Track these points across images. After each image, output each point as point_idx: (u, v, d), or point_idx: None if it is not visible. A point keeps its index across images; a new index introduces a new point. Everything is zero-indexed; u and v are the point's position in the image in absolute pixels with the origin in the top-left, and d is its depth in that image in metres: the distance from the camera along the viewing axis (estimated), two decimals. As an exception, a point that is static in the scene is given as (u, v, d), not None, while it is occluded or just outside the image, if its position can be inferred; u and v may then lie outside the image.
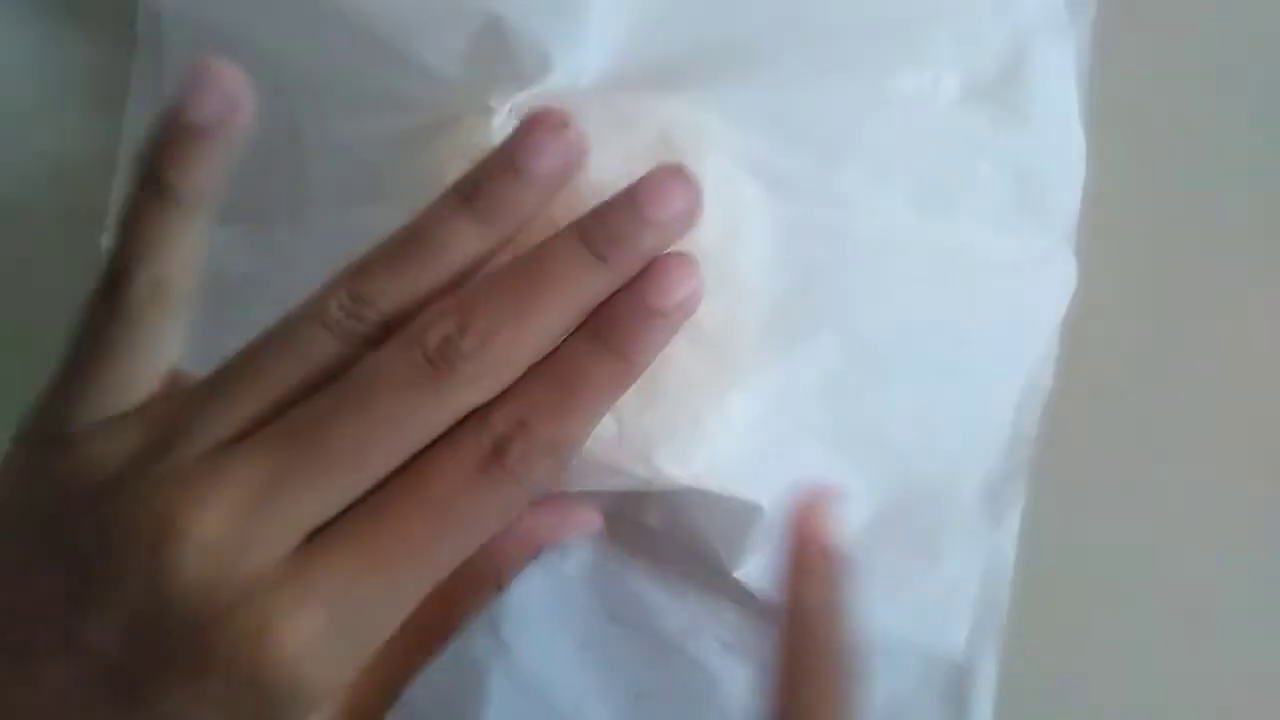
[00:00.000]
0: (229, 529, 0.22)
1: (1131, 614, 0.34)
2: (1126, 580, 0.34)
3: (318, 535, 0.23)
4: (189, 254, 0.24)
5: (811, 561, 0.27)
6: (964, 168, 0.31)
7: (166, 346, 0.24)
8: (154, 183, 0.23)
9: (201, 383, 0.24)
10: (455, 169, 0.28)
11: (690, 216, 0.26)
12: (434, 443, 0.23)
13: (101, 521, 0.22)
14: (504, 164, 0.25)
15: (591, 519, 0.32)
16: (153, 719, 0.22)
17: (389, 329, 0.24)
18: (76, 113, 0.37)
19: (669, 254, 0.25)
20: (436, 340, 0.23)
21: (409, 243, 0.25)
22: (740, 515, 0.31)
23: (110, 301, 0.24)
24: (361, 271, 0.24)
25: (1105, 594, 0.34)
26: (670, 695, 0.34)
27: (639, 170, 0.27)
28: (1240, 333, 0.34)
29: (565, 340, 0.25)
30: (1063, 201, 0.33)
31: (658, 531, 0.34)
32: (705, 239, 0.28)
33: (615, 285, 0.25)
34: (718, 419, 0.30)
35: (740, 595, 0.33)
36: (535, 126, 0.25)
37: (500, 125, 0.29)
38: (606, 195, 0.27)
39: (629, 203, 0.25)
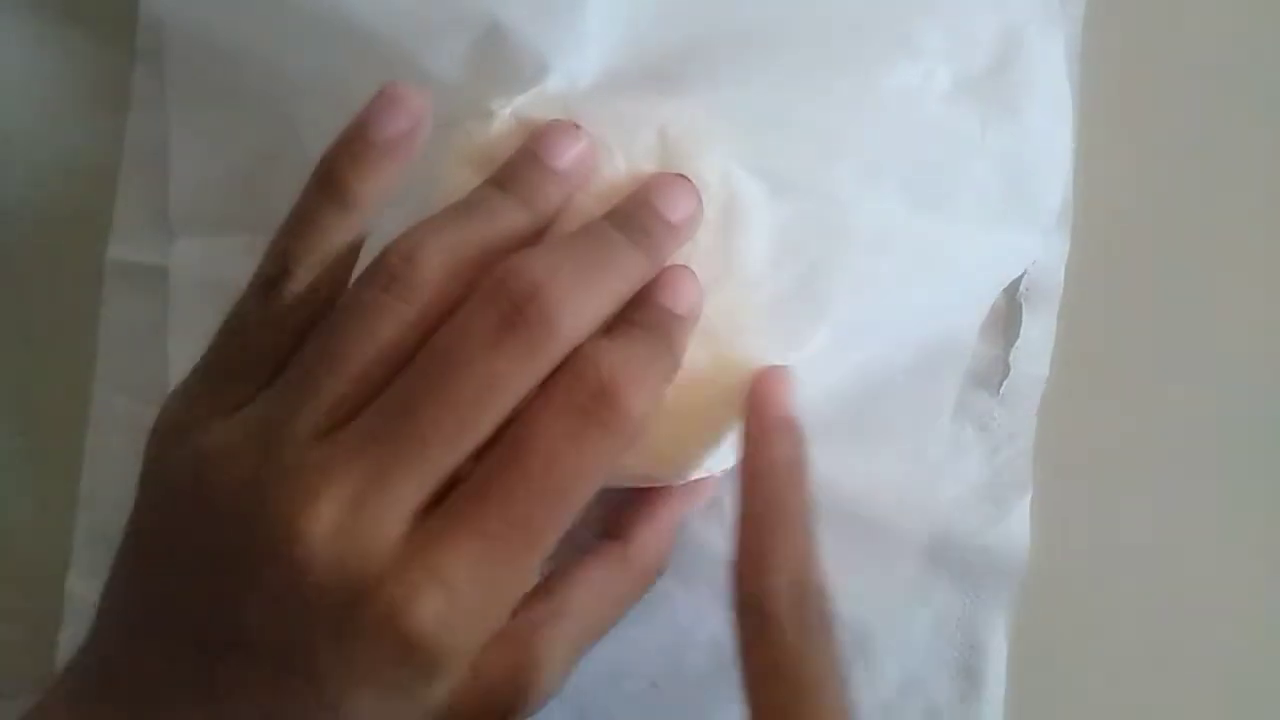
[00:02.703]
0: (344, 523, 0.23)
1: (1140, 600, 0.34)
2: (1133, 567, 0.34)
3: (432, 513, 0.23)
4: (348, 259, 0.25)
5: (770, 426, 0.28)
6: (954, 162, 0.31)
7: None
8: (330, 185, 0.25)
9: (286, 375, 0.25)
10: (455, 172, 0.29)
11: (696, 220, 0.28)
12: (526, 402, 0.24)
13: (232, 528, 0.23)
14: (529, 158, 0.27)
15: (710, 485, 0.32)
16: (319, 693, 0.23)
17: (455, 285, 0.24)
18: (79, 119, 0.37)
19: (674, 265, 0.27)
20: (524, 286, 0.24)
21: (457, 209, 0.26)
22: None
23: (264, 300, 0.25)
24: (413, 232, 0.25)
25: (1112, 580, 0.34)
26: (684, 683, 0.35)
27: (640, 170, 0.28)
28: (1240, 325, 0.34)
29: (621, 319, 0.26)
30: (1050, 193, 0.33)
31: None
32: (706, 237, 0.29)
33: (650, 274, 0.26)
34: (722, 411, 0.30)
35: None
36: (551, 129, 0.27)
37: (500, 128, 0.29)
38: (609, 196, 0.28)
39: (646, 202, 0.27)
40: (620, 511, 0.31)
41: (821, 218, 0.30)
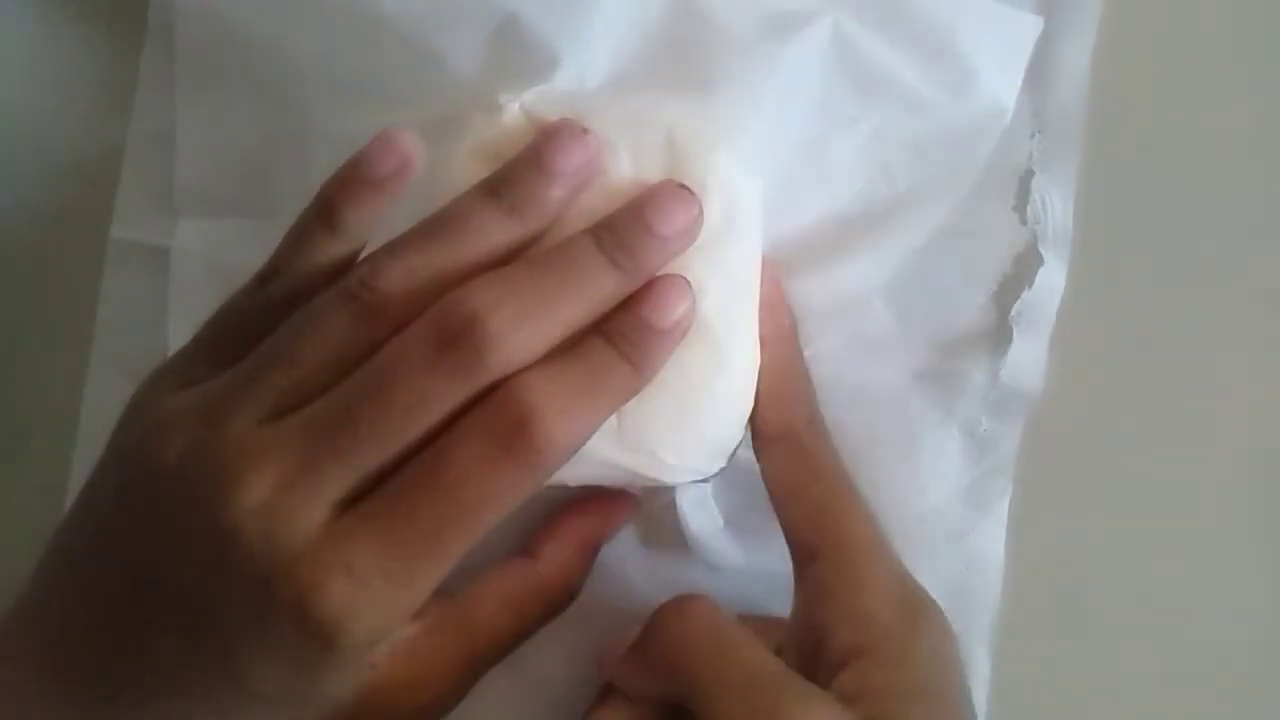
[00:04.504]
0: (272, 500, 0.24)
1: (1126, 614, 0.34)
2: (1120, 580, 0.34)
3: (353, 508, 0.25)
4: (332, 272, 0.27)
5: (774, 302, 0.31)
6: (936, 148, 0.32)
7: None
8: (324, 211, 0.27)
9: (244, 362, 0.26)
10: (464, 164, 0.29)
11: (692, 231, 0.28)
12: (455, 418, 0.25)
13: (169, 492, 0.25)
14: (530, 162, 0.27)
15: (631, 503, 0.33)
16: (223, 658, 0.25)
17: (409, 306, 0.26)
18: (84, 106, 0.37)
19: (665, 276, 0.27)
20: (462, 317, 0.25)
21: (433, 226, 0.27)
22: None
23: (250, 299, 0.27)
24: (384, 250, 0.26)
25: (1098, 594, 0.35)
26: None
27: (646, 171, 0.28)
28: (1237, 334, 0.34)
29: (582, 340, 0.26)
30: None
31: (657, 524, 0.34)
32: (707, 235, 0.28)
33: (625, 291, 0.27)
34: (716, 411, 0.30)
35: (736, 587, 0.34)
36: (558, 131, 0.28)
37: (508, 122, 0.29)
38: (614, 193, 0.28)
39: (637, 215, 0.27)
40: (535, 528, 0.32)
41: (820, 214, 0.30)
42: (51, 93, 0.37)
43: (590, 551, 0.32)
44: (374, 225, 0.27)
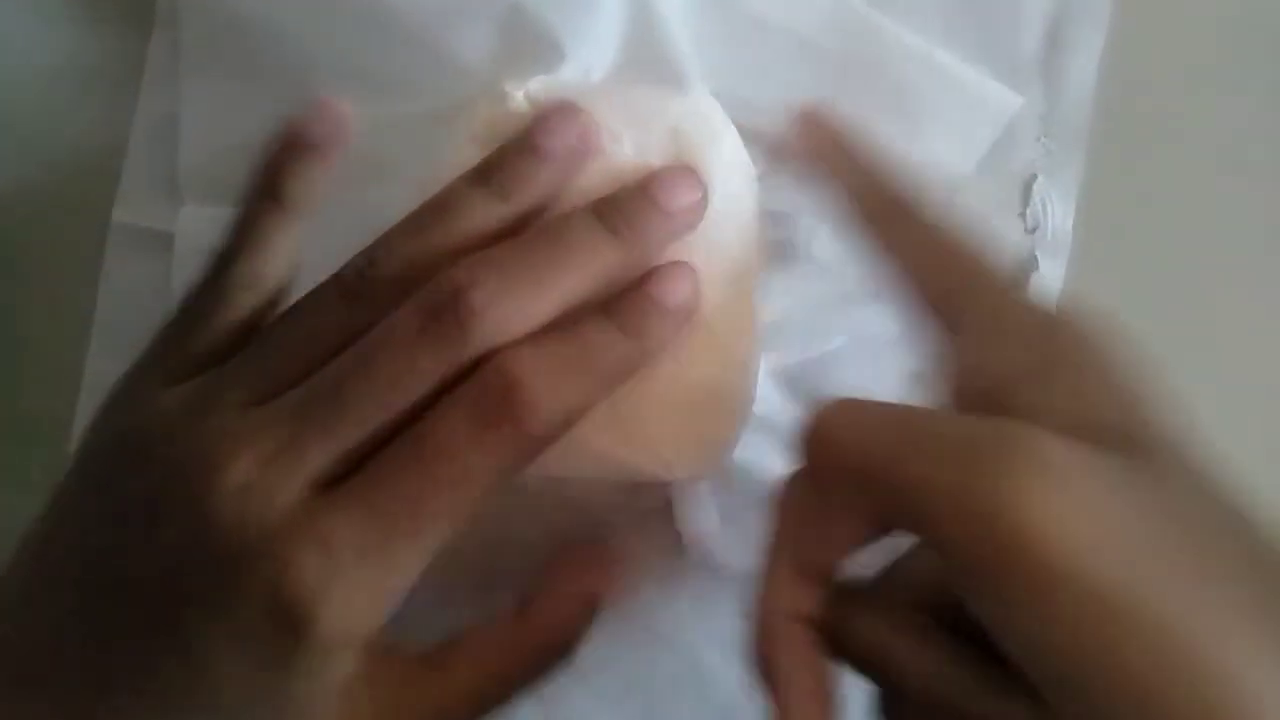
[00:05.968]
0: (251, 480, 0.24)
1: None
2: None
3: (334, 486, 0.24)
4: (287, 252, 0.27)
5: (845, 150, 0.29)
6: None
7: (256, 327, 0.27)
8: (267, 187, 0.27)
9: (237, 355, 0.26)
10: (464, 151, 0.29)
11: (696, 212, 0.28)
12: (442, 393, 0.25)
13: (152, 479, 0.25)
14: (520, 144, 0.27)
15: (628, 569, 0.33)
16: (184, 653, 0.24)
17: (399, 291, 0.25)
18: (90, 92, 0.37)
19: (670, 262, 0.27)
20: (447, 293, 0.25)
21: (424, 211, 0.27)
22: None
23: (210, 286, 0.27)
24: (377, 239, 0.26)
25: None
26: (660, 689, 0.35)
27: (650, 161, 0.28)
28: (1238, 338, 0.34)
29: (582, 318, 0.26)
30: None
31: (655, 524, 0.34)
32: (709, 228, 0.29)
33: (625, 264, 0.27)
34: (715, 407, 0.30)
35: (732, 589, 0.34)
36: (549, 113, 0.27)
37: (511, 109, 0.29)
38: (619, 178, 0.28)
39: (642, 190, 0.27)
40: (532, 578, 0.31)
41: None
42: (55, 80, 0.37)
43: (579, 608, 0.29)
44: (316, 190, 0.27)
